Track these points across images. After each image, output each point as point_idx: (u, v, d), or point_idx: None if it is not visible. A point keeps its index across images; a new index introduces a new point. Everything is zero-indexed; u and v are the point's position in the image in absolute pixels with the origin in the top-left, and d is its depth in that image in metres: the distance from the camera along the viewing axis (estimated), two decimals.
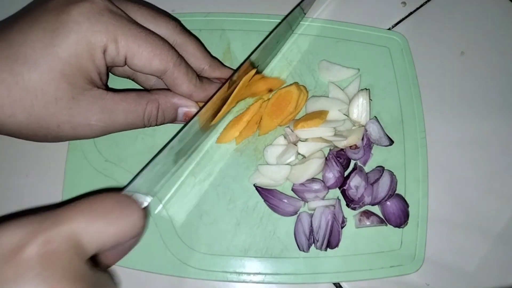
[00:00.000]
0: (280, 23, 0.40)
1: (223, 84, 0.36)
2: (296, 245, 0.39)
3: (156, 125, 0.37)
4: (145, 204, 0.32)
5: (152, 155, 0.40)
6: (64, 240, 0.22)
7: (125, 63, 0.33)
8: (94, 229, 0.23)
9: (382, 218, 0.40)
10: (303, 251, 0.39)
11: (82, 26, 0.29)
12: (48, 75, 0.29)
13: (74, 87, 0.30)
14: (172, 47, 0.34)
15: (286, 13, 0.46)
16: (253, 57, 0.37)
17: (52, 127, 0.31)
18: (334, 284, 0.40)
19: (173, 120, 0.38)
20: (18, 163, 0.42)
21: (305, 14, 0.46)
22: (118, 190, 0.28)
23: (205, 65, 0.38)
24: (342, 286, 0.40)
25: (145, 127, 0.36)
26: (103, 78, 0.33)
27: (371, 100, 0.43)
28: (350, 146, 0.40)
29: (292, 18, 0.42)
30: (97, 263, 0.27)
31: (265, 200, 0.40)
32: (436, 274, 0.40)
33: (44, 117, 0.30)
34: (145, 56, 0.32)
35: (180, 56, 0.34)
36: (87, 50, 0.30)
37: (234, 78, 0.36)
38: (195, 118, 0.34)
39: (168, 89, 0.36)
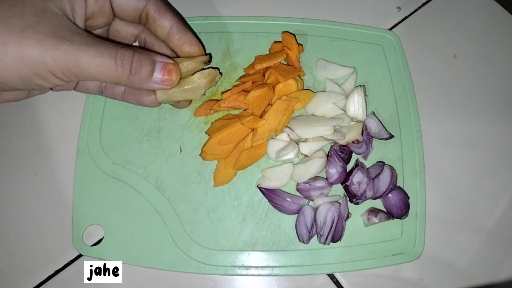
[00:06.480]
0: None
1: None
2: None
3: (131, 74, 0.33)
4: None
5: (157, 156, 0.42)
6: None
7: (114, 14, 0.36)
8: None
9: (389, 214, 0.41)
10: (303, 242, 0.40)
11: None
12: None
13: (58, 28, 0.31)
14: None
15: (281, 15, 0.47)
16: None
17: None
18: (329, 275, 0.41)
19: (151, 74, 0.35)
20: (26, 161, 0.43)
21: None
22: None
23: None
24: (338, 280, 0.41)
25: (118, 76, 0.33)
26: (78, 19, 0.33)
27: (367, 96, 0.45)
28: (353, 141, 0.42)
29: None
30: None
31: (269, 201, 0.41)
32: (429, 269, 0.41)
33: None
34: None
35: None
36: None
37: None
38: None
39: None
